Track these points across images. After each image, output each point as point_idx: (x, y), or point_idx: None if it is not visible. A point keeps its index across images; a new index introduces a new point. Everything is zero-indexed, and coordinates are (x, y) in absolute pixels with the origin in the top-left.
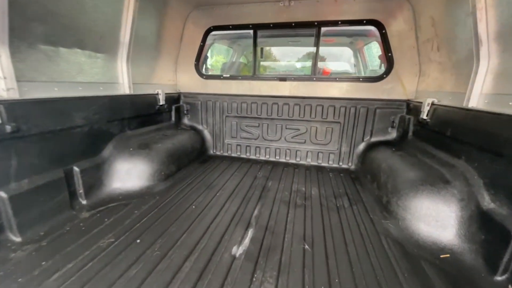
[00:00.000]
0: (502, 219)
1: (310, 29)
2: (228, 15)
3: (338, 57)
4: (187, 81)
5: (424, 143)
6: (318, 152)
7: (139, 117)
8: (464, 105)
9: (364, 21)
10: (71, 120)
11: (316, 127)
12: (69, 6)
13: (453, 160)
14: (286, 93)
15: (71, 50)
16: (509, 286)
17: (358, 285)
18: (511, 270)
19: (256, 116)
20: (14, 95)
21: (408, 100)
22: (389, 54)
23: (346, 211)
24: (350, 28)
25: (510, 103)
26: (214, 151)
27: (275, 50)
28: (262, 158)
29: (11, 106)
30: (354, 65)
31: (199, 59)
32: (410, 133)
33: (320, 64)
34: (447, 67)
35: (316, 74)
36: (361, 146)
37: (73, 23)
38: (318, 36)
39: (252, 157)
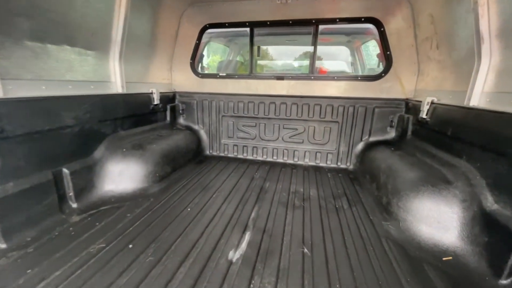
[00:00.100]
0: (507, 221)
1: (307, 27)
2: (224, 13)
3: (335, 57)
4: (183, 80)
5: (423, 143)
6: (316, 152)
7: (133, 117)
8: (465, 104)
9: (362, 19)
10: (60, 120)
11: (314, 127)
12: (58, 1)
13: (454, 160)
14: (284, 92)
15: (60, 47)
16: None
17: None
18: None
19: (253, 115)
20: None
21: (407, 99)
22: (388, 53)
23: (346, 213)
24: (348, 26)
25: None
26: (211, 151)
27: (272, 50)
28: (260, 158)
29: None
30: (351, 65)
31: (195, 57)
32: (409, 133)
33: (317, 64)
34: (446, 65)
35: (314, 73)
36: (360, 146)
37: (62, 18)
38: (315, 34)
39: (249, 157)
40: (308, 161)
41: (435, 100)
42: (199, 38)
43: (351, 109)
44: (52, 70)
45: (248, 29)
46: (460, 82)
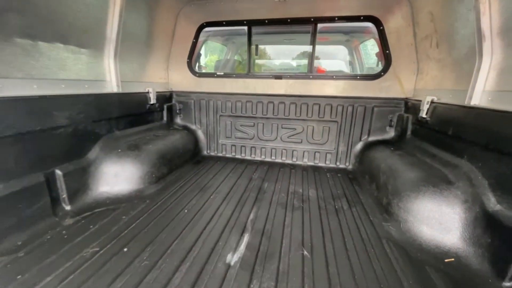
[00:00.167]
0: (510, 222)
1: (306, 25)
2: (221, 11)
3: (333, 56)
4: (180, 79)
5: (423, 142)
6: (315, 152)
7: (128, 117)
8: (466, 103)
9: (362, 17)
10: (52, 120)
11: (313, 126)
12: None
13: (455, 160)
14: (282, 92)
15: (51, 44)
16: None
17: None
18: None
19: (251, 115)
20: None
21: (406, 98)
22: (387, 52)
23: (345, 214)
24: (347, 25)
25: None
26: (208, 151)
27: (270, 50)
28: (258, 158)
29: None
30: (350, 64)
31: (192, 56)
32: (409, 132)
33: (315, 63)
34: (446, 64)
35: (312, 72)
36: (359, 146)
37: (53, 15)
38: (314, 32)
39: (247, 157)
40: (307, 161)
41: (435, 99)
42: (196, 36)
43: (350, 108)
44: (44, 68)
45: (245, 28)
46: (461, 81)
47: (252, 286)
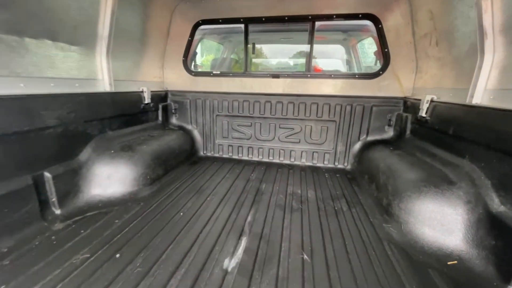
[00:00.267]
0: None
1: (304, 23)
2: (217, 8)
3: (330, 55)
4: (175, 78)
5: (423, 142)
6: (313, 152)
7: (122, 117)
8: (467, 101)
9: (360, 15)
10: (40, 120)
11: (311, 126)
12: None
13: (456, 160)
14: (280, 91)
15: (39, 41)
16: None
17: None
18: None
19: (248, 115)
20: None
21: (405, 97)
22: (386, 50)
23: (345, 215)
24: (345, 23)
25: None
26: (205, 152)
27: (267, 49)
28: (255, 159)
29: None
30: (347, 63)
31: (188, 55)
32: (408, 132)
33: (312, 62)
34: (446, 62)
35: (310, 71)
36: (357, 145)
37: (40, 10)
38: (312, 30)
39: (245, 158)
40: (305, 161)
41: (435, 98)
42: (192, 34)
43: (348, 107)
44: (31, 66)
45: (242, 26)
46: (461, 79)
47: None
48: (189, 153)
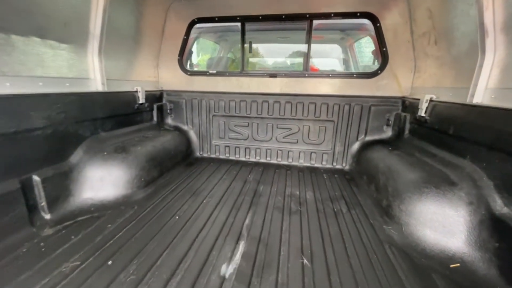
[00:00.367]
0: None
1: (301, 21)
2: (213, 6)
3: (327, 55)
4: (170, 78)
5: (422, 142)
6: (311, 153)
7: (115, 117)
8: (468, 101)
9: (358, 14)
10: (28, 121)
11: (309, 126)
12: None
13: (457, 160)
14: (277, 91)
15: (27, 38)
16: None
17: None
18: None
19: (245, 115)
20: None
21: (403, 97)
22: (384, 49)
23: (345, 217)
24: (342, 22)
25: None
26: (201, 153)
27: (263, 49)
28: (253, 159)
29: None
30: (344, 63)
31: (183, 54)
32: (407, 132)
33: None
34: (445, 61)
35: (308, 70)
36: (356, 146)
37: (28, 6)
38: (310, 29)
39: (242, 158)
40: (303, 162)
41: (434, 97)
42: (187, 33)
43: (346, 107)
44: (18, 64)
45: (239, 24)
46: (461, 78)
47: None
48: (185, 154)
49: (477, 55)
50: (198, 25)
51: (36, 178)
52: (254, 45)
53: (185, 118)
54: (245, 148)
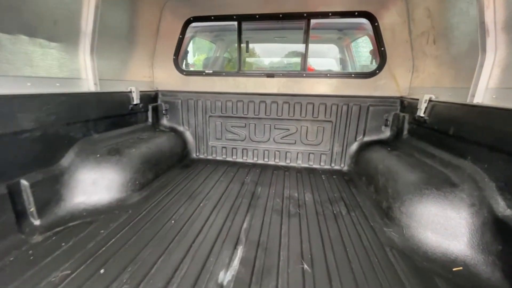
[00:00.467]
0: None
1: (299, 21)
2: (209, 5)
3: (323, 55)
4: (166, 78)
5: (421, 142)
6: (309, 153)
7: (108, 119)
8: (468, 101)
9: (356, 13)
10: (15, 123)
11: (307, 127)
12: None
13: (457, 161)
14: (274, 91)
15: (13, 36)
16: None
17: None
18: None
19: (242, 115)
20: None
21: (402, 97)
22: (382, 49)
23: (345, 219)
24: (340, 21)
25: None
26: (197, 154)
27: (260, 49)
28: (250, 161)
29: None
30: (341, 63)
31: (179, 53)
32: (405, 132)
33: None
34: (445, 61)
35: (306, 70)
36: (354, 146)
37: (15, 2)
38: (307, 29)
39: (239, 160)
40: (301, 163)
41: (433, 97)
42: (183, 32)
43: (344, 107)
44: (4, 63)
45: (235, 23)
46: (461, 78)
47: None
48: (181, 156)
49: (477, 54)
50: (194, 24)
51: (24, 182)
52: (251, 45)
53: (181, 118)
54: (242, 149)
